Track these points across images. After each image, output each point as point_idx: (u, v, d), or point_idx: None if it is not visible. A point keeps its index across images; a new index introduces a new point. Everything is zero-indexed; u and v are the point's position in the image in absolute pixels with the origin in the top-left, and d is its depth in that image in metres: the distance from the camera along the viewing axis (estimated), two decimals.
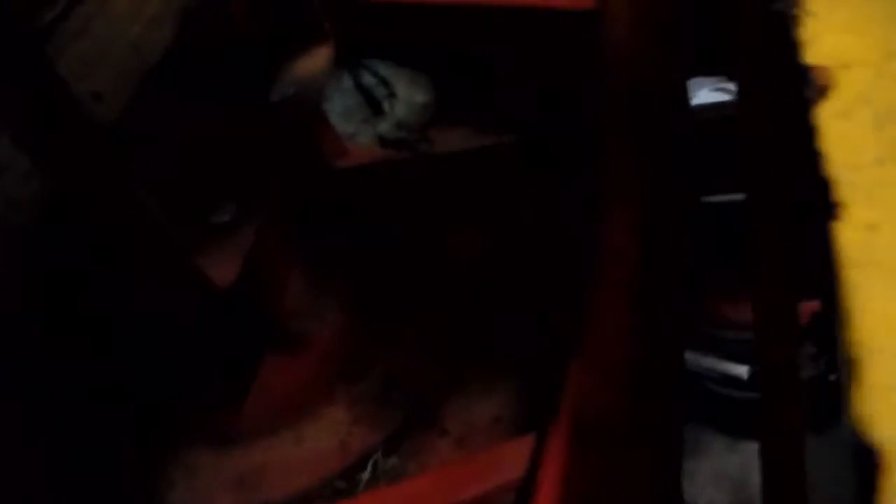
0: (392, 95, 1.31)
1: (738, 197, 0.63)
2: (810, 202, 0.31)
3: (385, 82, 1.32)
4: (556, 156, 1.11)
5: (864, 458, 0.23)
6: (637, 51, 0.95)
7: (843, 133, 0.30)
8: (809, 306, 0.54)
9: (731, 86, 1.11)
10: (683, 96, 1.05)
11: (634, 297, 0.64)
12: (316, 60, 1.00)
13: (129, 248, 0.78)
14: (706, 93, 1.17)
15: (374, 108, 1.32)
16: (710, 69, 1.10)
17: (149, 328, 0.93)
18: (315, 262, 0.99)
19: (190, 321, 0.89)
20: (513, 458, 0.65)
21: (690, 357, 1.27)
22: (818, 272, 0.28)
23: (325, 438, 0.96)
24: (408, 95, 1.31)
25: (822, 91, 0.31)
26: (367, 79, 1.33)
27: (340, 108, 1.32)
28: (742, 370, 1.18)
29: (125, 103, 0.80)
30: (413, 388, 0.97)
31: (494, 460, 0.66)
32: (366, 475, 0.93)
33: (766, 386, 0.53)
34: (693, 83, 1.13)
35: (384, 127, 1.31)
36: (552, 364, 0.75)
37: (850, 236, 0.27)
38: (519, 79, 1.12)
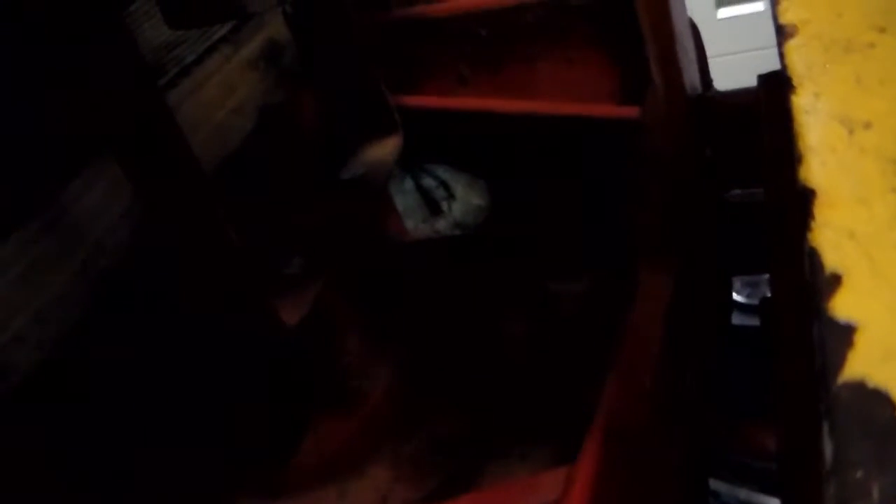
0: (451, 197, 1.42)
1: None
2: None
3: (445, 185, 1.43)
4: (595, 254, 1.19)
5: None
6: (673, 156, 1.05)
7: None
8: None
9: None
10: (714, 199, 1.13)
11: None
12: (385, 147, 1.11)
13: (211, 286, 0.86)
14: None
15: (433, 208, 1.43)
16: None
17: (209, 376, 1.00)
18: (373, 326, 1.06)
19: (256, 362, 0.96)
20: (550, 483, 0.69)
21: (724, 488, 1.26)
22: None
23: (367, 494, 0.99)
24: (465, 197, 1.42)
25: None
26: (428, 181, 1.44)
27: (402, 208, 1.43)
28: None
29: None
30: (455, 453, 1.01)
31: (531, 485, 0.69)
32: None
33: None
34: None
35: (442, 225, 1.41)
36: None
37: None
38: (561, 179, 1.22)
